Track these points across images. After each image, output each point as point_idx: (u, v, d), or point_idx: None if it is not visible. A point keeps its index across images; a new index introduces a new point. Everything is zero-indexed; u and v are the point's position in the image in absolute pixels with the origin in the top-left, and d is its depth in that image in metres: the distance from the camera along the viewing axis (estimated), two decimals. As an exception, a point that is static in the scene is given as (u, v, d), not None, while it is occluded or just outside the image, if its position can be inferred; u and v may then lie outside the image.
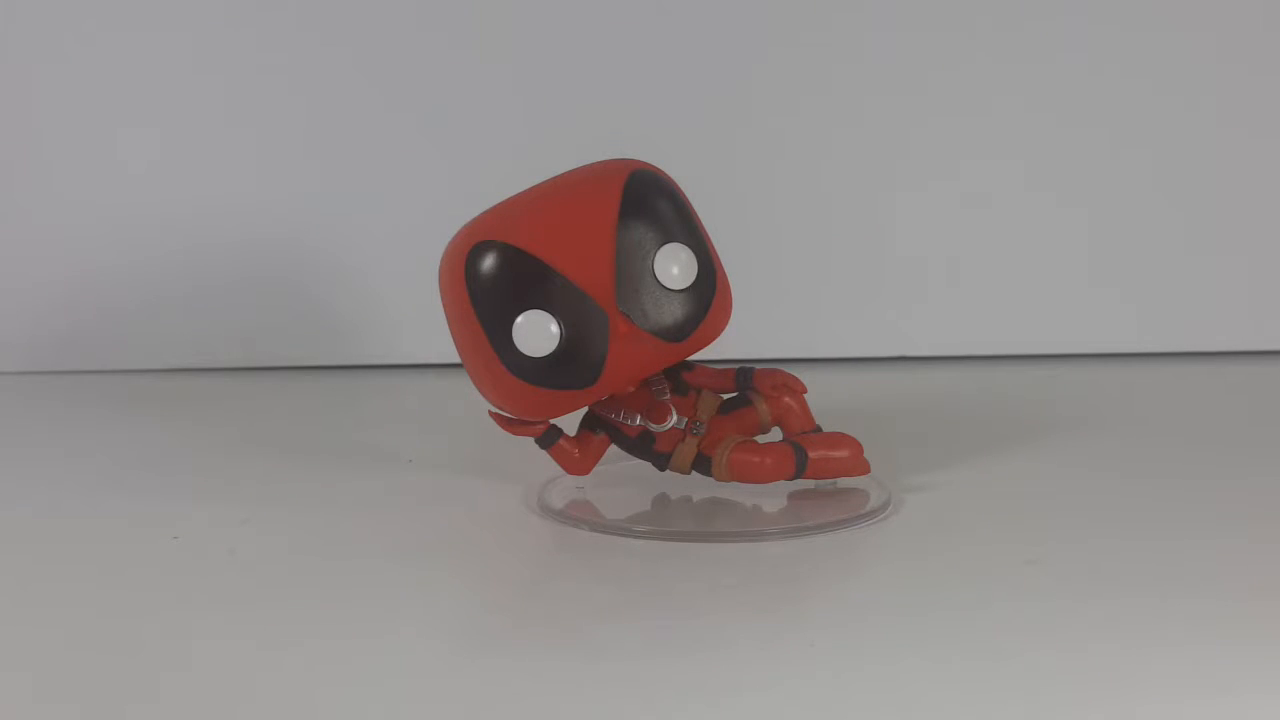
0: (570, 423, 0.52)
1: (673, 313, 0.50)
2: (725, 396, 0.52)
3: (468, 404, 0.53)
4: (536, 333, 0.49)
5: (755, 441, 0.51)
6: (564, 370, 0.49)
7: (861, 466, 0.52)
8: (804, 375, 0.53)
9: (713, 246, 0.51)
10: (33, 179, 0.74)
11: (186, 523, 0.52)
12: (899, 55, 0.74)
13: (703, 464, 0.51)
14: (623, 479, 0.54)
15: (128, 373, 0.75)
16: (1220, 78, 0.74)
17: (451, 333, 0.51)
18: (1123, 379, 0.73)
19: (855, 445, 0.52)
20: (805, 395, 0.53)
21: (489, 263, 0.49)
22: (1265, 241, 0.75)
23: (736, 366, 0.53)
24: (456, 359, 0.51)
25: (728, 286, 0.51)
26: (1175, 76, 0.74)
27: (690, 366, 0.52)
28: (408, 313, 0.74)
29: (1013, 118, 0.74)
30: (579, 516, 0.51)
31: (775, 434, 0.53)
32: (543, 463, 0.53)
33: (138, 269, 0.75)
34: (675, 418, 0.51)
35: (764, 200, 0.74)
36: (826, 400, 0.53)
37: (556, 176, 0.51)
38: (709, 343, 0.51)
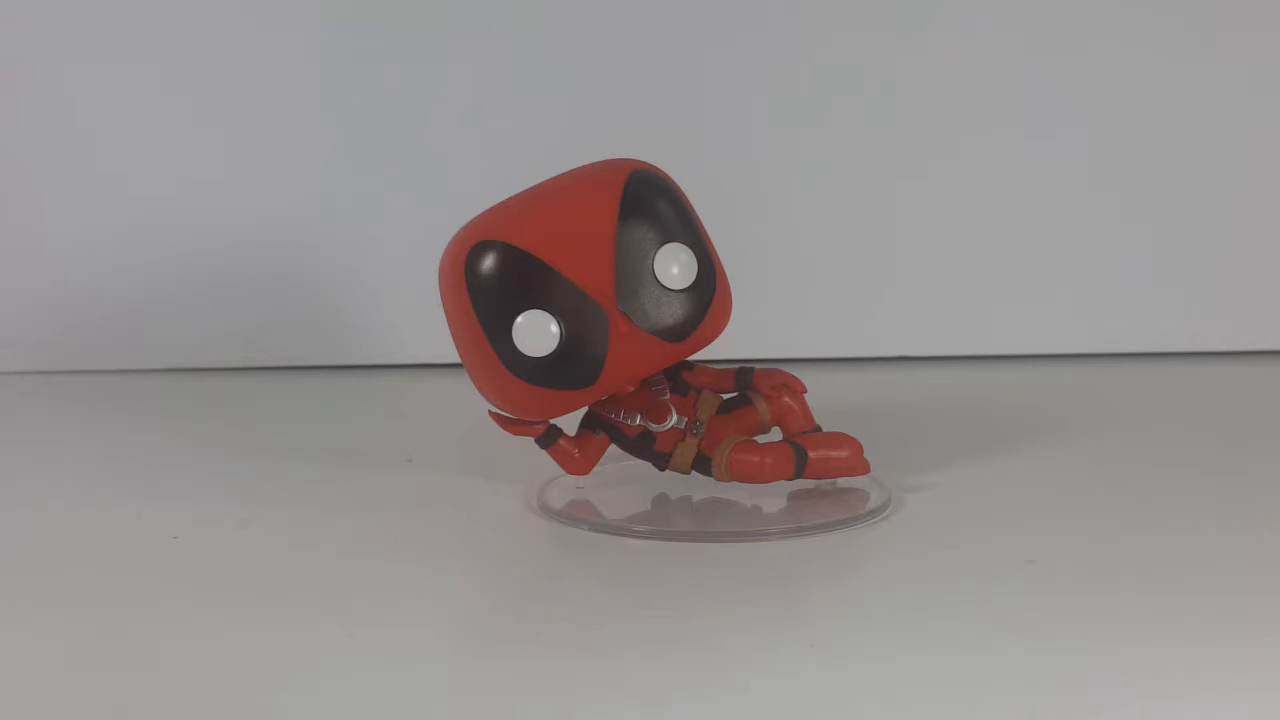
0: (570, 423, 0.52)
1: (673, 313, 0.50)
2: (725, 396, 0.52)
3: (468, 404, 0.53)
4: (536, 333, 0.49)
5: (755, 441, 0.51)
6: (564, 370, 0.49)
7: (861, 466, 0.51)
8: (804, 375, 0.53)
9: (713, 246, 0.51)
10: (32, 180, 0.74)
11: (186, 523, 0.52)
12: (901, 55, 0.74)
13: (703, 464, 0.51)
14: (623, 479, 0.54)
15: (128, 373, 0.75)
16: (1212, 72, 0.74)
17: (451, 333, 0.51)
18: (1123, 379, 0.73)
19: (855, 445, 0.52)
20: (805, 395, 0.53)
21: (489, 263, 0.49)
22: (1264, 241, 0.75)
23: (736, 366, 0.53)
24: (457, 359, 0.51)
25: (728, 286, 0.51)
26: (1174, 75, 0.74)
27: (690, 366, 0.52)
28: (408, 313, 0.74)
29: (1014, 120, 0.74)
30: (579, 516, 0.51)
31: (775, 434, 0.53)
32: (543, 463, 0.53)
33: (137, 269, 0.75)
34: (675, 418, 0.51)
35: (764, 200, 0.74)
36: (826, 400, 0.53)
37: (556, 176, 0.51)
38: (709, 343, 0.51)
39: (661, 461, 0.52)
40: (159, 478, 0.58)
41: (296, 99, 0.74)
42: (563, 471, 0.53)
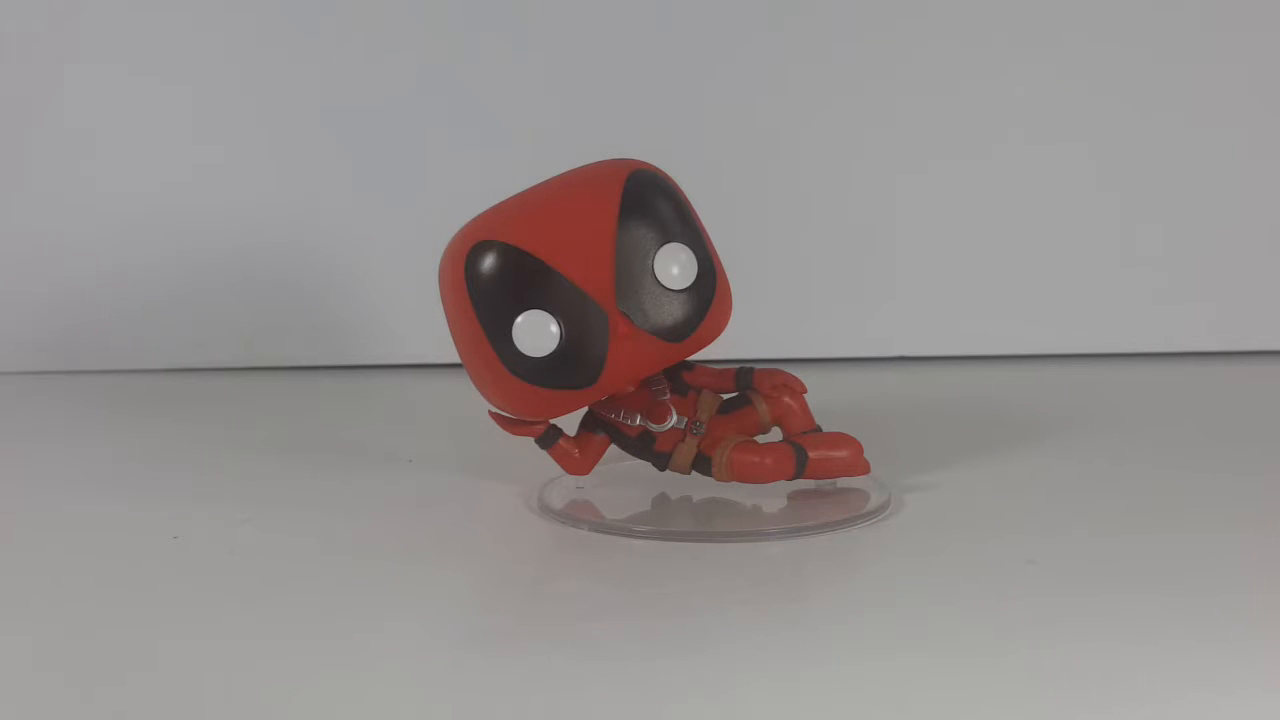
0: (570, 423, 0.52)
1: (673, 313, 0.50)
2: (725, 396, 0.52)
3: (468, 404, 0.53)
4: (536, 333, 0.49)
5: (755, 441, 0.51)
6: (564, 370, 0.49)
7: (861, 466, 0.51)
8: (804, 375, 0.53)
9: (712, 246, 0.51)
10: (32, 180, 0.75)
11: (186, 523, 0.52)
12: (902, 54, 0.74)
13: (703, 464, 0.51)
14: (623, 479, 0.54)
15: (128, 373, 0.75)
16: (1201, 69, 0.74)
17: (451, 333, 0.51)
18: (1123, 379, 0.73)
19: (855, 445, 0.52)
20: (805, 395, 0.53)
21: (489, 263, 0.49)
22: (1265, 242, 0.75)
23: (736, 366, 0.53)
24: (457, 359, 0.51)
25: (727, 286, 0.51)
26: (1175, 75, 0.74)
27: (690, 366, 0.52)
28: (408, 313, 0.74)
29: (1016, 121, 0.74)
30: (579, 516, 0.51)
31: (775, 434, 0.53)
32: (543, 463, 0.53)
33: (137, 269, 0.75)
34: (675, 418, 0.51)
35: (764, 200, 0.74)
36: (826, 400, 0.53)
37: (557, 176, 0.51)
38: (709, 343, 0.51)
39: (661, 461, 0.52)
40: (159, 478, 0.58)
41: (296, 99, 0.74)
42: (563, 471, 0.53)
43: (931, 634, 0.42)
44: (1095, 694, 0.38)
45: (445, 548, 0.49)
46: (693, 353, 0.51)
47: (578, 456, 0.52)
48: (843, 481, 0.52)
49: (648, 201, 0.50)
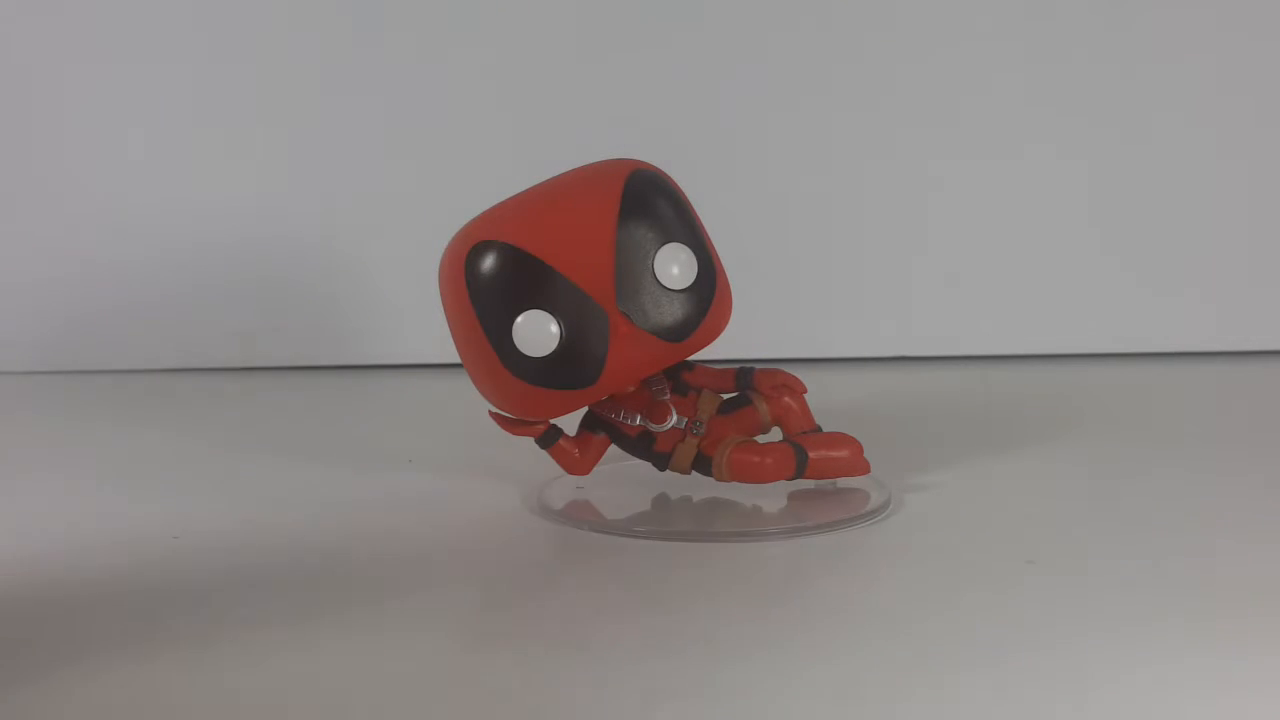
0: (570, 423, 0.52)
1: (673, 313, 0.50)
2: (725, 396, 0.52)
3: (468, 404, 0.53)
4: (536, 333, 0.49)
5: (755, 441, 0.51)
6: (564, 370, 0.49)
7: (861, 466, 0.51)
8: (804, 375, 0.53)
9: (712, 246, 0.51)
10: (32, 178, 0.75)
11: (187, 523, 0.52)
12: (902, 55, 0.74)
13: (703, 464, 0.51)
14: (623, 479, 0.54)
15: (128, 373, 0.75)
16: (1225, 74, 0.74)
17: (451, 333, 0.51)
18: (1123, 379, 0.73)
19: (855, 445, 0.52)
20: (805, 395, 0.53)
21: (489, 263, 0.49)
22: (1264, 242, 0.75)
23: (736, 366, 0.53)
24: (457, 359, 0.51)
25: (728, 286, 0.51)
26: (1171, 73, 0.74)
27: (690, 366, 0.52)
28: (408, 313, 0.74)
29: (1013, 121, 0.74)
30: (579, 516, 0.51)
31: (775, 434, 0.53)
32: (543, 463, 0.53)
33: (137, 268, 0.75)
34: (675, 418, 0.51)
35: (764, 200, 0.74)
36: (826, 400, 0.53)
37: (557, 176, 0.51)
38: (709, 343, 0.51)
39: (661, 461, 0.52)
40: (159, 478, 0.58)
41: (297, 98, 0.74)
42: (563, 471, 0.53)
43: (931, 634, 0.42)
44: (1094, 694, 0.38)
45: (445, 548, 0.49)
46: (693, 352, 0.51)
47: (578, 456, 0.52)
48: (843, 481, 0.52)
49: (648, 201, 0.50)
